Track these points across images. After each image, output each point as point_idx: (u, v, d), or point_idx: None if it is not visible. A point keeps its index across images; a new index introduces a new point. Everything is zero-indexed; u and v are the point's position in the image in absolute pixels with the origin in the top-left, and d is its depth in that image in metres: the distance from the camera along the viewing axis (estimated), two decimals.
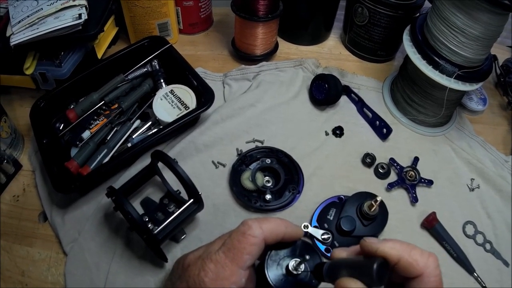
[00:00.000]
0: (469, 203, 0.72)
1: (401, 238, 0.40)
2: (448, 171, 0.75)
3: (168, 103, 0.70)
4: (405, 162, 0.73)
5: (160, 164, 0.61)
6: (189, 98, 0.70)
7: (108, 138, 0.69)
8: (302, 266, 0.46)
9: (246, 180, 0.65)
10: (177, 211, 0.57)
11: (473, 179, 0.75)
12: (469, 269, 0.64)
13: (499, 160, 0.78)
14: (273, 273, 0.45)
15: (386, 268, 0.38)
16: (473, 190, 0.74)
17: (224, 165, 0.69)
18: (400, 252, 0.38)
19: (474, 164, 0.76)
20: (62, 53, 0.75)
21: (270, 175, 0.68)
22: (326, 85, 0.75)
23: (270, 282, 0.45)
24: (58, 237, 0.62)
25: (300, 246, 0.48)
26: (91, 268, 0.59)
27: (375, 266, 0.36)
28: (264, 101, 0.77)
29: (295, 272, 0.45)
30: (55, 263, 0.60)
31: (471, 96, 0.87)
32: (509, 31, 1.09)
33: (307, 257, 0.46)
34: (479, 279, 0.63)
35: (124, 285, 0.57)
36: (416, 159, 0.73)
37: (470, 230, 0.69)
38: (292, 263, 0.46)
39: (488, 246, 0.67)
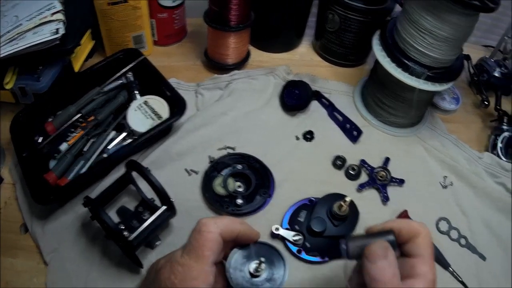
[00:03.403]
0: (442, 200, 0.73)
1: None
2: (420, 170, 0.77)
3: (142, 113, 0.72)
4: (376, 163, 0.75)
5: (135, 173, 0.63)
6: (163, 108, 0.72)
7: (85, 150, 0.70)
8: (263, 266, 0.48)
9: (218, 186, 0.67)
10: (151, 218, 0.59)
11: (446, 176, 0.76)
12: (444, 264, 0.65)
13: (473, 157, 0.79)
14: (236, 277, 0.48)
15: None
16: (446, 187, 0.75)
17: (196, 172, 0.71)
18: (400, 223, 0.47)
19: (447, 162, 0.77)
20: (41, 67, 0.77)
21: (241, 181, 0.70)
22: (297, 91, 0.77)
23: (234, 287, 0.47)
24: (39, 248, 0.63)
25: (257, 248, 0.51)
26: (71, 277, 0.60)
27: (391, 234, 0.46)
28: (236, 109, 0.79)
29: (257, 273, 0.48)
30: (37, 273, 0.61)
31: (444, 95, 0.88)
32: (484, 31, 1.11)
33: (264, 258, 0.49)
34: (454, 273, 0.64)
35: None
36: (387, 160, 0.75)
37: (443, 226, 0.70)
38: (252, 266, 0.48)
39: (463, 241, 0.69)
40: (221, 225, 0.46)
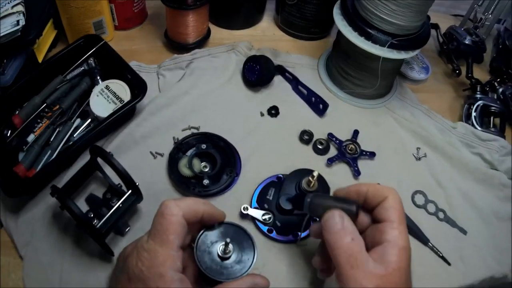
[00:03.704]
0: (416, 172, 0.72)
1: None
2: (392, 142, 0.76)
3: (104, 98, 0.72)
4: (345, 136, 0.74)
5: (102, 160, 0.63)
6: (124, 91, 0.72)
7: (51, 140, 0.70)
8: (231, 246, 0.48)
9: (183, 167, 0.67)
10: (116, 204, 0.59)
11: (419, 148, 0.75)
12: (423, 240, 0.64)
13: (446, 127, 0.78)
14: (204, 261, 0.48)
15: (359, 207, 0.48)
16: (419, 159, 0.74)
17: (162, 155, 0.70)
18: (367, 186, 0.48)
19: (419, 133, 0.76)
20: (5, 60, 0.76)
21: (206, 160, 0.69)
22: (258, 66, 0.76)
23: (203, 271, 0.47)
24: (14, 242, 0.62)
25: (223, 228, 0.50)
26: (46, 269, 0.59)
27: (355, 205, 0.46)
28: (198, 88, 0.78)
29: (225, 256, 0.48)
30: (14, 268, 0.60)
31: (412, 65, 0.88)
32: (453, 1, 1.09)
33: (233, 239, 0.48)
34: (434, 248, 0.64)
35: (78, 283, 0.58)
36: (355, 132, 0.74)
37: (420, 199, 0.69)
38: (220, 248, 0.48)
39: (441, 215, 0.67)
40: (183, 207, 0.46)
